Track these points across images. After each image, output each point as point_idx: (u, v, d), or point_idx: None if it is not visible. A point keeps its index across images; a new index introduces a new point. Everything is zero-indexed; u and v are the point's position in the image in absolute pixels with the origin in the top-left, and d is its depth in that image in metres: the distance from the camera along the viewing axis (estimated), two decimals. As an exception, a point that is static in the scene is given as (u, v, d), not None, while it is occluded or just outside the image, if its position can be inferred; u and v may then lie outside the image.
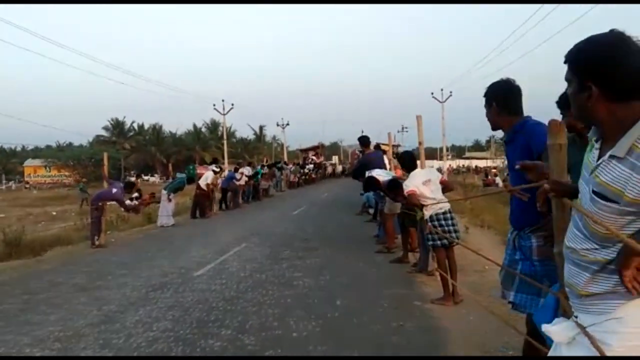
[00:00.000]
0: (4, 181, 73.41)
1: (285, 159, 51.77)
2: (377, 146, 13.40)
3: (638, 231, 1.54)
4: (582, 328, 1.64)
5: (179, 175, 16.94)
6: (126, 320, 5.62)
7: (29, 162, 71.58)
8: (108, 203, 12.31)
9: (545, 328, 1.79)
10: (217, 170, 18.10)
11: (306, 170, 38.78)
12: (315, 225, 13.73)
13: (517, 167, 2.42)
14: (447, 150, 52.22)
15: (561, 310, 2.08)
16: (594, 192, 1.61)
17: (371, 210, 14.87)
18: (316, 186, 36.44)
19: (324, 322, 5.31)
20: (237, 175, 20.07)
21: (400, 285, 6.79)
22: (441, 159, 51.77)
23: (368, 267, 8.02)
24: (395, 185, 7.52)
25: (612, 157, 1.57)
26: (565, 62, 1.70)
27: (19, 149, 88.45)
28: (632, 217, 1.53)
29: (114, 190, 11.75)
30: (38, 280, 8.00)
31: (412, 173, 6.57)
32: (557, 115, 2.87)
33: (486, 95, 3.33)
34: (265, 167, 26.86)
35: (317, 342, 4.71)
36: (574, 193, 1.88)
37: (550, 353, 1.83)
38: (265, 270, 8.02)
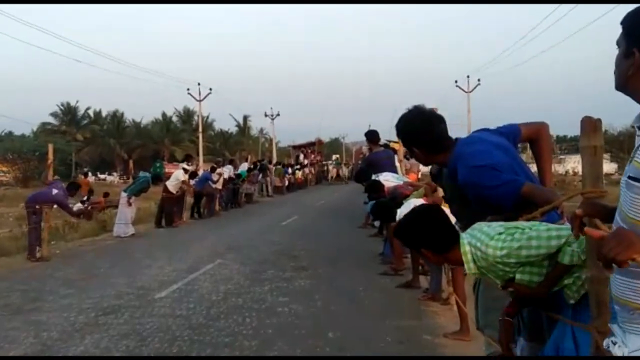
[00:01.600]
0: None
1: (275, 156, 51.87)
2: (387, 145, 13.36)
3: None
4: None
5: (142, 174, 16.85)
6: (69, 350, 5.64)
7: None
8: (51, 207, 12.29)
9: None
10: (189, 168, 18.12)
11: (291, 172, 38.00)
12: (307, 239, 13.74)
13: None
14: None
15: (592, 348, 2.09)
16: (629, 177, 1.68)
17: (376, 223, 14.89)
18: (310, 191, 36.46)
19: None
20: (214, 177, 20.09)
21: (408, 315, 6.81)
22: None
23: (369, 292, 8.02)
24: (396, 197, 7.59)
25: None
26: (621, 24, 1.80)
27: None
28: None
29: (55, 191, 11.75)
30: (-37, 299, 8.00)
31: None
32: (592, 108, 2.92)
33: (402, 138, 3.44)
34: (251, 167, 27.01)
35: (302, 382, 4.73)
36: (610, 215, 1.91)
37: None
38: (243, 293, 8.03)
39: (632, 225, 1.67)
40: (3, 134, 75.51)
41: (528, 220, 2.68)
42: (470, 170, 3.06)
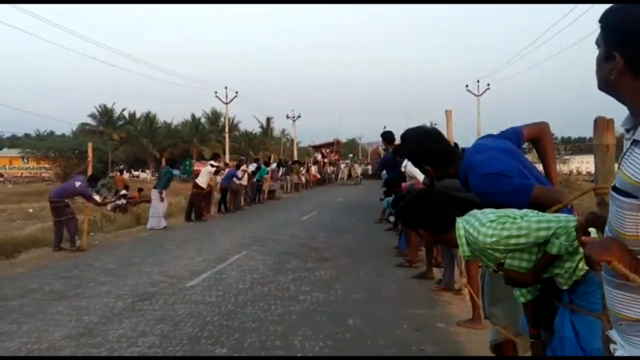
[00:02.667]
0: (-25, 173, 74.49)
1: (295, 156, 51.90)
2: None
3: None
4: None
5: (163, 168, 16.78)
6: (108, 333, 5.69)
7: (5, 152, 72.47)
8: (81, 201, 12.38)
9: None
10: (216, 165, 18.20)
11: (304, 171, 37.77)
12: (327, 233, 13.76)
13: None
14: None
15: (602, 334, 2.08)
16: (613, 188, 1.60)
17: (391, 218, 14.87)
18: (328, 189, 36.45)
19: (333, 343, 5.34)
20: (239, 174, 20.17)
21: (422, 304, 6.80)
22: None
23: (386, 283, 8.02)
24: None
25: (635, 142, 1.55)
26: (599, 22, 1.67)
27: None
28: None
29: (77, 183, 11.80)
30: (10, 286, 8.11)
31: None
32: (604, 109, 2.88)
33: (410, 158, 3.43)
34: (274, 165, 27.12)
35: (325, 365, 4.75)
36: None
37: None
38: (267, 282, 8.06)
39: (617, 236, 1.62)
40: (45, 133, 76.60)
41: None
42: (480, 178, 3.04)
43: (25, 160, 65.92)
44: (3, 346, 5.32)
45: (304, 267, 9.18)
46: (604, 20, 1.65)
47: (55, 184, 43.88)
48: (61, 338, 5.54)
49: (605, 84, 1.67)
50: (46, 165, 60.15)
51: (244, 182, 20.80)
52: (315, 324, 5.95)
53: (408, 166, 8.64)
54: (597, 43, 1.69)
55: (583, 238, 1.73)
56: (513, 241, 2.47)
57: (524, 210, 2.63)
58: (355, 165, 48.01)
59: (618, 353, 1.69)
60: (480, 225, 2.57)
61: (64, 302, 7.04)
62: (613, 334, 1.75)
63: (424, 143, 3.29)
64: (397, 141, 13.93)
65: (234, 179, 19.74)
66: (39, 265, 9.97)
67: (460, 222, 2.70)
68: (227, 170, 19.67)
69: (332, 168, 48.56)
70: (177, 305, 6.82)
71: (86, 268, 9.43)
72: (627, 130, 1.64)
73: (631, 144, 1.57)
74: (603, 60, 1.64)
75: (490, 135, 3.45)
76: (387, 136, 11.37)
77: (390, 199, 13.30)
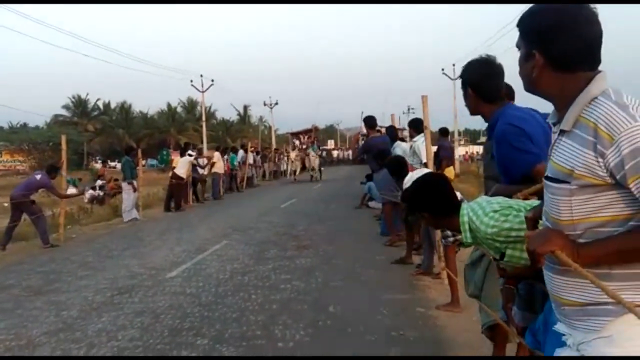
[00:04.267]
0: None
1: (274, 143, 51.78)
2: (392, 128, 12.86)
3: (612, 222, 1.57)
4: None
5: (123, 159, 16.28)
6: (88, 328, 5.67)
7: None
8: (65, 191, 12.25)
9: None
10: (193, 155, 18.06)
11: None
12: (307, 220, 13.77)
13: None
14: (460, 134, 52.50)
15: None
16: (547, 177, 1.69)
17: (371, 204, 14.91)
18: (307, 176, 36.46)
19: (314, 331, 5.36)
20: (201, 162, 19.53)
21: (402, 289, 6.85)
22: (452, 144, 51.93)
23: (366, 269, 8.06)
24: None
25: (562, 132, 1.64)
26: (517, 26, 1.76)
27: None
28: (586, 196, 1.57)
29: (38, 176, 11.68)
30: (-13, 282, 8.03)
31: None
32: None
33: (461, 77, 3.38)
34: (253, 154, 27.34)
35: (305, 353, 4.77)
36: None
37: None
38: (248, 271, 8.06)
39: (554, 224, 1.68)
40: (18, 125, 75.32)
41: (524, 198, 2.72)
42: (507, 126, 3.07)
43: (-2, 153, 64.78)
44: (-20, 344, 5.28)
45: (284, 256, 9.18)
46: (521, 23, 1.75)
47: (30, 176, 43.26)
48: (40, 334, 5.52)
49: (530, 83, 1.76)
50: (20, 158, 59.23)
51: (206, 171, 20.13)
52: (296, 313, 5.97)
53: (417, 144, 8.54)
54: (517, 46, 1.78)
55: (525, 233, 1.76)
56: (514, 233, 2.49)
57: (530, 202, 2.64)
58: (312, 154, 31.52)
59: (568, 341, 1.73)
60: (483, 215, 2.58)
61: (41, 298, 6.99)
62: (558, 327, 1.79)
63: (487, 68, 3.24)
64: (379, 126, 13.97)
65: (198, 168, 19.16)
66: (15, 261, 9.88)
67: (465, 209, 2.71)
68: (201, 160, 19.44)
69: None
70: (157, 297, 6.80)
71: (64, 262, 9.36)
72: (554, 124, 1.74)
73: (558, 134, 1.67)
74: (524, 61, 1.74)
75: (538, 112, 3.42)
76: (369, 121, 11.37)
77: (371, 183, 13.37)
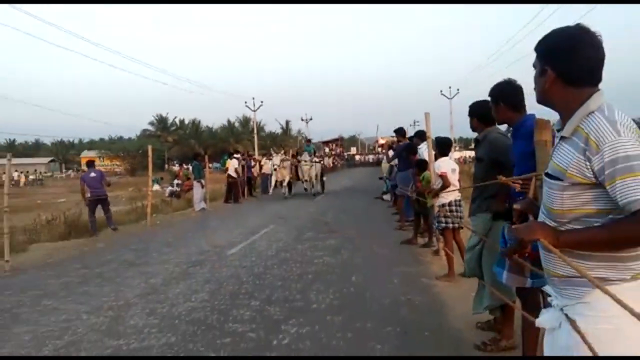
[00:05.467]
0: (64, 170, 75.12)
1: (309, 150, 51.65)
2: (422, 134, 11.85)
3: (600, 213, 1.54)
4: (564, 312, 1.64)
5: (193, 163, 16.63)
6: (169, 292, 5.77)
7: (85, 153, 72.97)
8: (151, 190, 12.37)
9: (537, 322, 1.78)
10: (238, 157, 18.21)
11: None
12: (335, 210, 13.76)
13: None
14: (455, 142, 51.69)
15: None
16: (546, 174, 1.67)
17: (385, 197, 14.83)
18: (336, 175, 36.38)
19: (341, 295, 5.37)
20: (253, 163, 20.18)
21: (409, 264, 6.80)
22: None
23: (381, 248, 8.00)
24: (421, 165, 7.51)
25: (562, 138, 1.62)
26: (534, 50, 1.74)
27: (76, 141, 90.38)
28: (575, 191, 1.56)
29: (92, 174, 11.38)
30: (93, 257, 8.24)
31: (444, 159, 6.41)
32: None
33: (492, 94, 3.35)
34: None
35: (334, 312, 4.78)
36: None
37: (544, 340, 1.78)
38: (289, 249, 8.09)
39: (548, 212, 1.66)
40: (115, 138, 76.90)
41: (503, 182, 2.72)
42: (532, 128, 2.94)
43: (101, 159, 66.29)
44: (91, 304, 5.41)
45: (318, 237, 9.19)
46: (538, 45, 1.72)
47: (125, 177, 44.15)
48: (133, 296, 5.63)
49: (542, 96, 1.72)
50: (117, 163, 60.49)
51: (256, 172, 20.62)
52: (326, 281, 5.98)
53: (421, 150, 8.32)
54: (533, 65, 1.75)
55: (514, 227, 1.75)
56: None
57: None
58: (305, 160, 18.08)
59: (553, 302, 1.71)
60: None
61: (134, 269, 7.13)
62: (547, 288, 1.78)
63: (513, 86, 3.26)
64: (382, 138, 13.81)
65: (250, 169, 19.58)
66: (114, 241, 10.10)
67: None
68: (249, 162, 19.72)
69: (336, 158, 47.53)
70: (220, 269, 6.88)
71: (150, 242, 9.54)
72: (558, 130, 1.71)
73: (559, 139, 1.65)
74: (539, 76, 1.70)
75: None
76: (400, 131, 11.18)
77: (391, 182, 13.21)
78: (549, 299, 1.76)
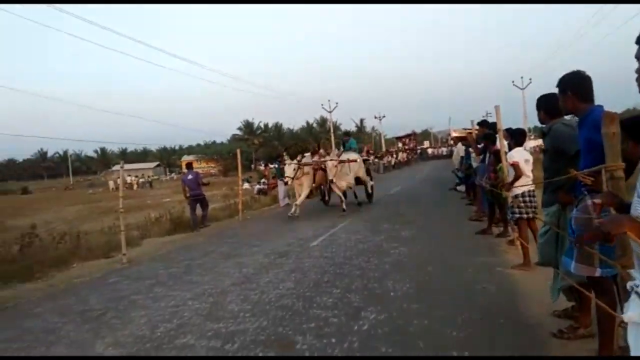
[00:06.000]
0: (167, 173, 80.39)
1: (383, 146, 51.32)
2: (487, 124, 11.35)
3: None
4: None
5: (275, 163, 17.24)
6: (260, 280, 5.99)
7: (185, 157, 77.68)
8: (241, 188, 12.88)
9: (627, 317, 1.65)
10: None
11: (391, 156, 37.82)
12: (409, 202, 13.55)
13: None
14: (530, 131, 48.70)
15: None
16: None
17: (459, 188, 14.36)
18: (409, 169, 35.78)
19: (417, 284, 5.30)
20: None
21: (485, 253, 6.55)
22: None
23: (456, 238, 7.80)
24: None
25: None
26: (636, 43, 1.68)
27: (177, 147, 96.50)
28: None
29: (190, 176, 11.90)
30: (195, 250, 8.75)
31: (518, 149, 6.14)
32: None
33: (561, 84, 3.19)
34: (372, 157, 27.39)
35: (411, 301, 4.74)
36: (621, 207, 1.81)
37: (629, 334, 1.67)
38: (367, 241, 8.08)
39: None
40: (210, 142, 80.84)
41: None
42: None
43: (199, 162, 70.18)
44: (194, 291, 5.77)
45: (393, 229, 9.10)
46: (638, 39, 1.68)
47: (219, 177, 46.31)
48: (230, 284, 5.92)
49: None
50: (212, 165, 63.58)
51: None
52: (402, 271, 5.92)
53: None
54: (636, 57, 1.70)
55: (599, 221, 1.69)
56: None
57: None
58: (333, 158, 11.98)
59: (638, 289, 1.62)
60: None
61: (230, 260, 7.48)
62: (633, 272, 1.69)
63: (581, 77, 3.13)
64: (454, 130, 13.31)
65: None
66: (213, 235, 10.66)
67: None
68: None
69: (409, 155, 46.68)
70: (304, 259, 7.03)
71: (243, 235, 9.96)
72: None
73: None
74: None
75: None
76: (485, 123, 10.80)
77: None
78: (629, 284, 1.67)
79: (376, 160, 33.57)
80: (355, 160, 12.28)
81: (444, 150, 51.38)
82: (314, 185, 12.46)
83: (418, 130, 68.98)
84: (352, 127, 78.79)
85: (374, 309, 4.55)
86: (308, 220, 11.37)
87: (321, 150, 13.24)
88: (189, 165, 13.12)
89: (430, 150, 56.21)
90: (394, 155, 38.73)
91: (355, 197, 13.07)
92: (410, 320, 4.19)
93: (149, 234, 11.10)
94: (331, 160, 11.87)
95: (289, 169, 11.82)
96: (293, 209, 11.83)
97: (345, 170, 12.01)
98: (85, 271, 7.81)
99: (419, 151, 52.42)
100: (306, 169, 11.98)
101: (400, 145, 49.18)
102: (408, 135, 53.34)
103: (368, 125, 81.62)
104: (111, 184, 47.93)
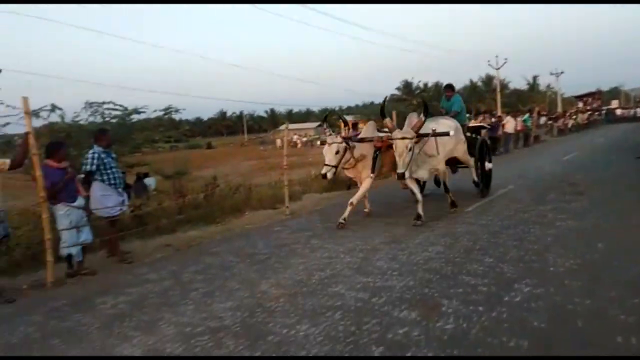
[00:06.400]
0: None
1: (560, 106, 45.91)
2: None
3: None
4: None
5: None
6: (409, 241, 6.11)
7: (347, 118, 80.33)
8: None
9: None
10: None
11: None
12: (585, 170, 12.06)
13: None
14: None
15: None
16: None
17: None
18: (590, 132, 31.45)
19: (582, 261, 4.84)
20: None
21: (675, 234, 5.62)
22: None
23: (635, 215, 6.79)
24: None
25: None
26: None
27: (336, 108, 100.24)
28: None
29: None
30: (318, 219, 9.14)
31: None
32: None
33: None
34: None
35: (573, 277, 4.38)
36: None
37: None
38: (529, 210, 7.54)
39: None
40: (368, 103, 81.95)
41: None
42: None
43: (357, 122, 71.75)
44: (345, 246, 6.12)
45: (562, 199, 8.27)
46: None
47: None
48: (379, 243, 6.14)
49: None
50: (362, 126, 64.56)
51: (510, 130, 19.81)
52: (567, 246, 5.43)
53: None
54: None
55: None
56: None
57: None
58: (427, 128, 6.92)
59: None
60: None
61: (381, 220, 7.68)
62: None
63: None
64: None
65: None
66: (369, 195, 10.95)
67: None
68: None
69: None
70: (456, 225, 6.90)
71: (397, 197, 9.93)
72: None
73: None
74: None
75: None
76: None
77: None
78: None
79: (549, 122, 30.26)
80: (448, 134, 7.04)
81: (639, 111, 43.75)
82: (384, 168, 7.83)
83: (605, 89, 59.66)
84: (523, 85, 71.95)
85: (529, 282, 4.33)
86: (462, 184, 10.95)
87: (387, 120, 7.03)
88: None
89: (619, 111, 48.35)
90: (573, 117, 34.24)
91: (476, 184, 9.11)
92: (570, 298, 3.90)
93: (309, 190, 11.95)
94: (402, 136, 6.66)
95: (330, 151, 7.22)
96: (347, 212, 7.45)
97: (431, 149, 7.13)
98: (255, 219, 8.85)
99: (604, 111, 45.53)
100: (364, 149, 7.52)
101: (580, 105, 43.33)
102: (591, 94, 46.66)
103: (542, 84, 73.32)
104: (278, 142, 52.11)
